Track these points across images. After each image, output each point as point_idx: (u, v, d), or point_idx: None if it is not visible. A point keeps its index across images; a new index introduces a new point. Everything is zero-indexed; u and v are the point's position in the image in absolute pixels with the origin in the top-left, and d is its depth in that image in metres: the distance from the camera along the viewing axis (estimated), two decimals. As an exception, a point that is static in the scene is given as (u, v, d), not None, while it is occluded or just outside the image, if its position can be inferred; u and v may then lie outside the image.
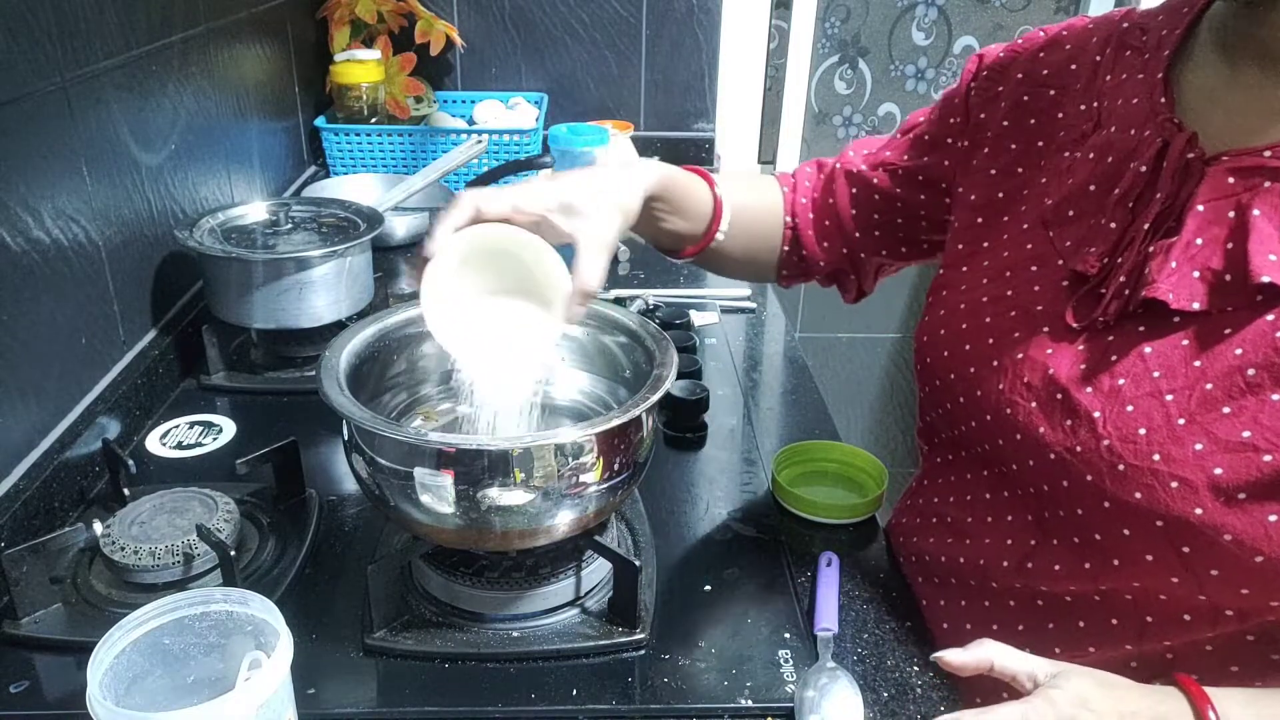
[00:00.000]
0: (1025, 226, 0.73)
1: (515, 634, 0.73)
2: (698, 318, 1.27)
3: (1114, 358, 0.64)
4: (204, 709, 0.52)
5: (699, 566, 0.81)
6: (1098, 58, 0.73)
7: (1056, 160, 0.73)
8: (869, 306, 2.16)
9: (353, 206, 1.22)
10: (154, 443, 0.99)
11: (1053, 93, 0.75)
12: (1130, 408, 0.62)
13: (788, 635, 0.74)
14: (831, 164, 0.92)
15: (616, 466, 0.70)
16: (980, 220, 0.78)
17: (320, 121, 1.66)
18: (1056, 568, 0.69)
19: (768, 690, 0.68)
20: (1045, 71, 0.76)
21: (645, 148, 1.90)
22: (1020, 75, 0.77)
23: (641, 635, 0.72)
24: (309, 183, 1.61)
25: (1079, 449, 0.64)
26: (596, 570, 0.77)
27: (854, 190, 0.88)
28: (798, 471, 0.94)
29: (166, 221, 1.12)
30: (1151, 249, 0.63)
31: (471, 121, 1.81)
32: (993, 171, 0.78)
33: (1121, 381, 0.63)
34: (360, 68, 1.66)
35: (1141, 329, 0.63)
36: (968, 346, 0.73)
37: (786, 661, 0.71)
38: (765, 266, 0.93)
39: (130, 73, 1.03)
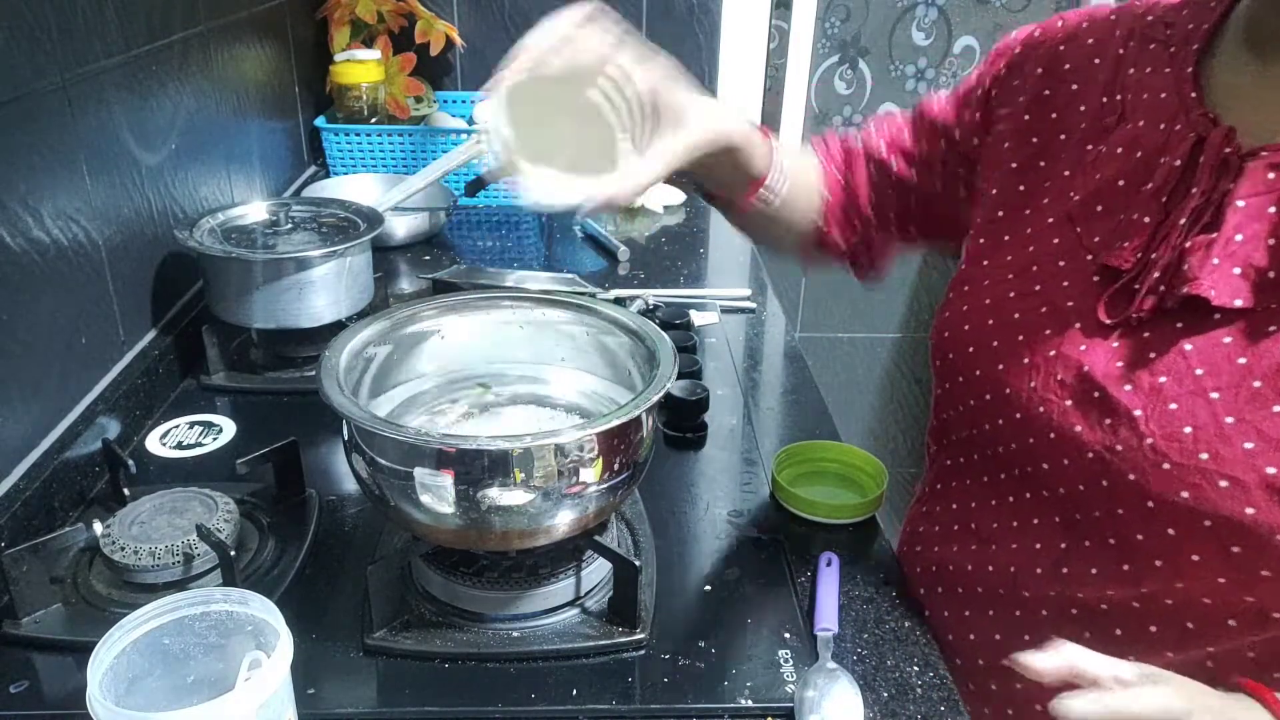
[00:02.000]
0: (1050, 221, 0.72)
1: (515, 634, 0.73)
2: (698, 318, 1.27)
3: (1152, 355, 0.63)
4: (204, 709, 0.52)
5: (699, 566, 0.81)
6: (1120, 51, 0.71)
7: (1079, 153, 0.72)
8: (869, 306, 2.17)
9: (353, 206, 1.22)
10: (154, 443, 0.99)
11: (1075, 86, 0.74)
12: (1174, 405, 0.61)
13: (788, 635, 0.74)
14: (853, 142, 0.91)
15: (616, 466, 0.70)
16: (1001, 214, 0.76)
17: (320, 121, 1.66)
18: (1093, 571, 0.68)
19: (768, 690, 0.68)
20: (1067, 65, 0.74)
21: (645, 148, 1.90)
22: (1040, 70, 0.76)
23: (641, 635, 0.72)
24: (309, 183, 1.61)
25: (1119, 448, 0.63)
26: (596, 570, 0.77)
27: (871, 172, 0.88)
28: (798, 471, 0.94)
29: (166, 221, 1.12)
30: (1189, 244, 0.61)
31: (471, 121, 1.81)
32: (1014, 165, 0.76)
33: (1163, 379, 0.62)
34: (360, 68, 1.66)
35: (1179, 325, 0.62)
36: (995, 343, 0.72)
37: (786, 661, 0.71)
38: (798, 239, 0.90)
39: (130, 72, 1.03)
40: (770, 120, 2.09)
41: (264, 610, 0.59)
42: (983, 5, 2.08)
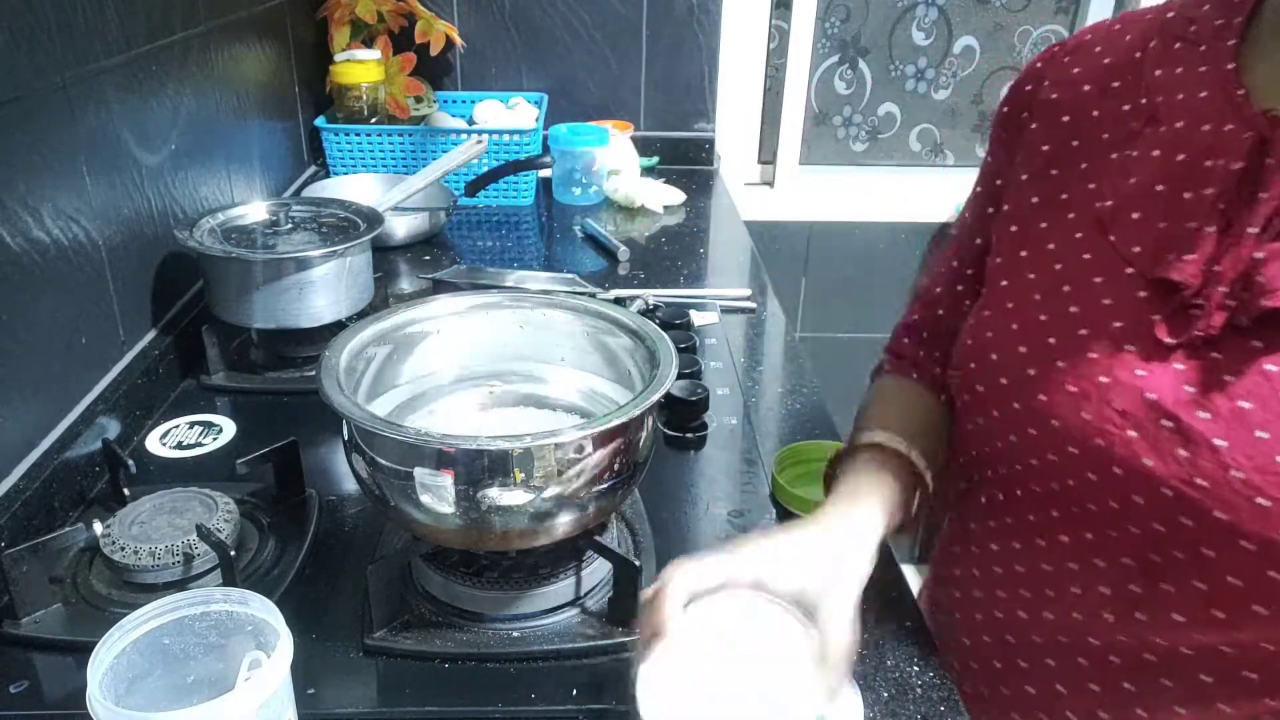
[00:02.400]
0: (1078, 235, 0.66)
1: (515, 634, 0.73)
2: (698, 318, 1.27)
3: (1228, 377, 0.56)
4: (204, 709, 0.52)
5: (699, 566, 0.81)
6: (1138, 54, 0.67)
7: (1102, 161, 0.66)
8: (869, 306, 2.17)
9: (353, 206, 1.22)
10: (154, 443, 0.99)
11: (1087, 88, 0.69)
12: (1263, 434, 0.55)
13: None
14: (918, 323, 0.85)
15: (616, 466, 0.70)
16: (1015, 229, 0.71)
17: (320, 121, 1.66)
18: (1176, 618, 0.61)
19: (768, 690, 0.68)
20: (1076, 70, 0.70)
21: (645, 148, 1.91)
22: (1047, 82, 0.72)
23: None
24: (309, 183, 1.61)
25: (1201, 482, 0.57)
26: (596, 570, 0.77)
27: (943, 312, 0.82)
28: (798, 471, 0.94)
29: (166, 221, 1.12)
30: (1261, 254, 0.56)
31: (471, 121, 1.81)
32: (1024, 177, 0.71)
33: (1245, 404, 0.56)
34: (360, 68, 1.66)
35: (1257, 344, 0.56)
36: (1031, 371, 0.65)
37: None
38: None
39: (130, 72, 1.03)
40: (770, 120, 2.09)
41: (264, 610, 0.59)
42: (983, 5, 2.08)
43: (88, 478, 0.90)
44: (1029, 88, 0.73)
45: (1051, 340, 0.64)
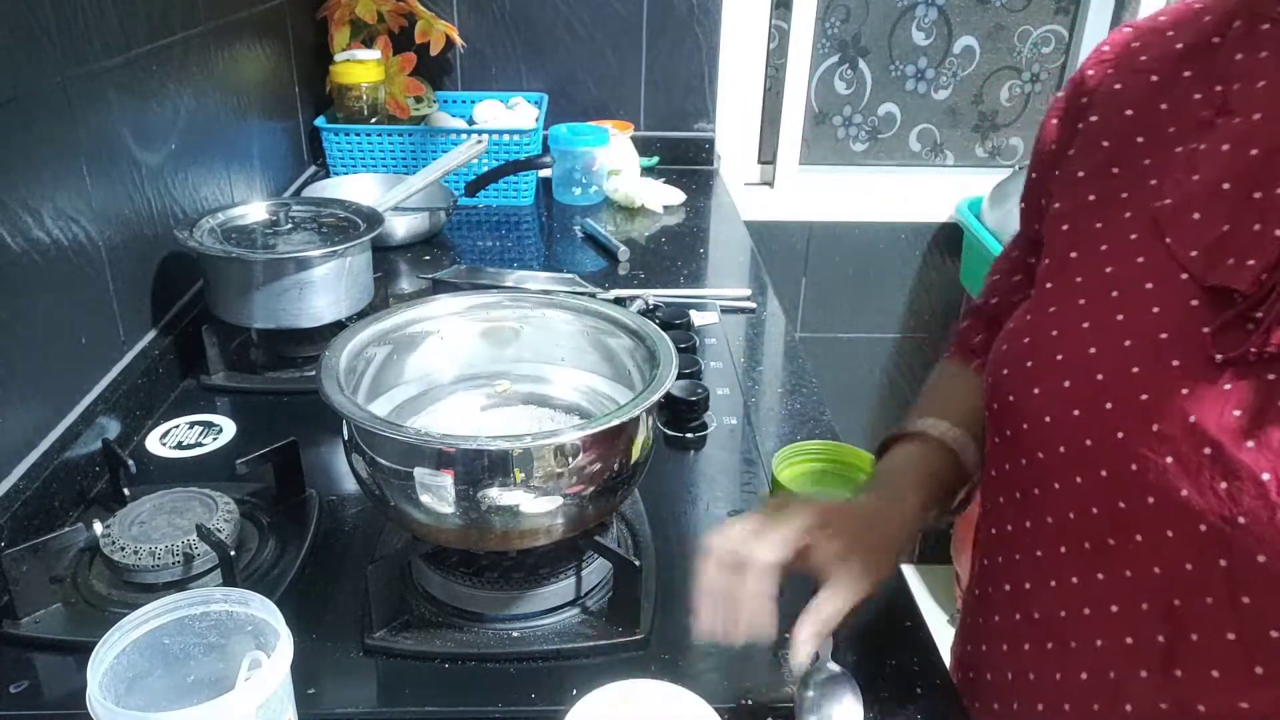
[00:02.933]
0: (1132, 236, 0.59)
1: (515, 634, 0.73)
2: (698, 318, 1.27)
3: None
4: (204, 709, 0.52)
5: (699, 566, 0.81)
6: (1215, 39, 0.60)
7: (1165, 155, 0.60)
8: (869, 306, 2.17)
9: (353, 206, 1.22)
10: (154, 443, 0.99)
11: (1154, 78, 0.62)
12: None
13: (787, 635, 0.73)
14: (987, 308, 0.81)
15: (617, 466, 0.70)
16: (1066, 228, 0.65)
17: (320, 121, 1.66)
18: (1214, 674, 0.54)
19: (768, 690, 0.68)
20: (1143, 57, 0.63)
21: (645, 148, 1.91)
22: (1111, 70, 0.65)
23: (641, 635, 0.72)
24: (309, 183, 1.61)
25: (1242, 520, 0.50)
26: (596, 570, 0.77)
27: (997, 300, 0.80)
28: (798, 471, 0.93)
29: (166, 221, 1.12)
30: None
31: (471, 121, 1.81)
32: (1080, 174, 0.65)
33: None
34: (360, 68, 1.66)
35: None
36: (1066, 383, 0.59)
37: (787, 661, 0.71)
38: None
39: (130, 72, 1.03)
40: (770, 120, 2.09)
41: (264, 610, 0.59)
42: (983, 5, 2.08)
43: (88, 478, 0.90)
44: (1091, 73, 0.67)
45: (1092, 350, 0.58)
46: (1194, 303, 0.55)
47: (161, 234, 1.10)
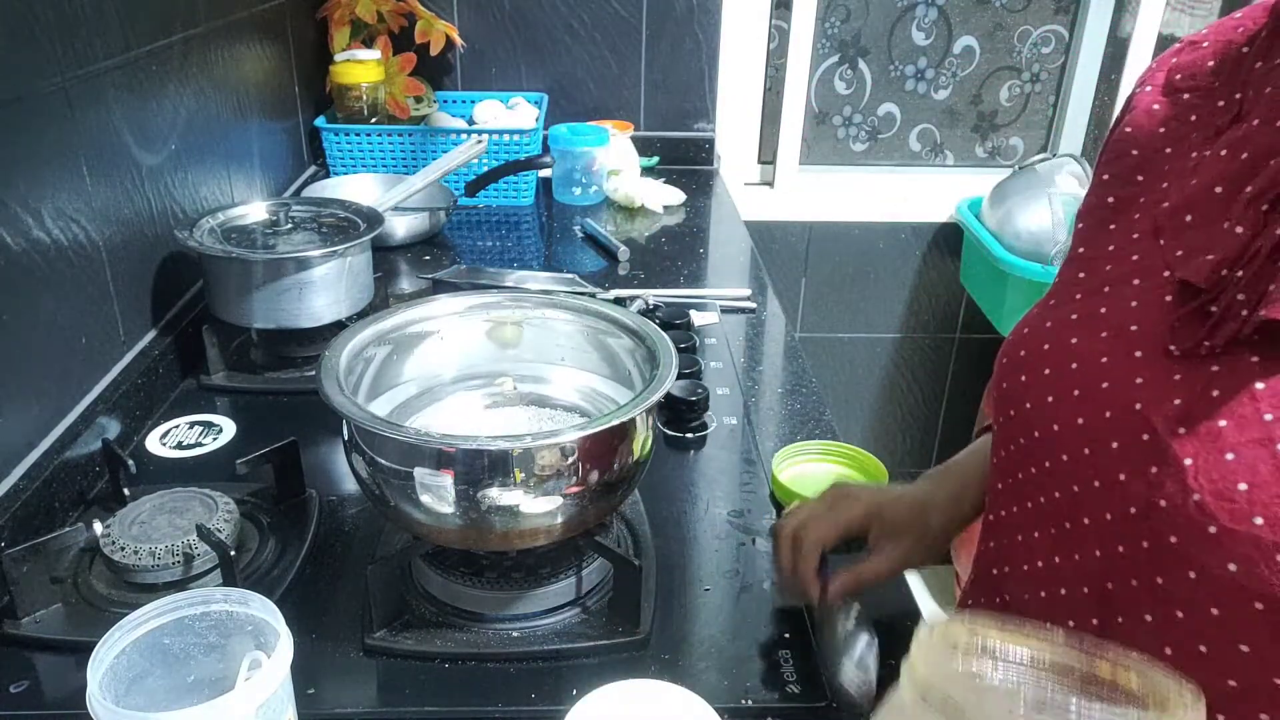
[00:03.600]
0: (1135, 236, 0.61)
1: (515, 634, 0.73)
2: (698, 318, 1.27)
3: (1216, 393, 0.52)
4: (204, 709, 0.52)
5: (699, 566, 0.81)
6: (1245, 49, 0.60)
7: (1183, 162, 0.61)
8: (869, 306, 2.17)
9: (353, 206, 1.22)
10: (154, 443, 0.99)
11: (1186, 96, 0.64)
12: (1230, 456, 0.50)
13: (787, 635, 0.74)
14: None
15: (617, 466, 0.70)
16: (1081, 225, 0.67)
17: (320, 121, 1.66)
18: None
19: (768, 690, 0.68)
20: (1179, 76, 0.65)
21: (645, 148, 1.91)
22: (1150, 87, 0.66)
23: (641, 635, 0.72)
24: (309, 183, 1.61)
25: (1162, 503, 0.52)
26: (596, 570, 0.77)
27: None
28: (798, 471, 0.94)
29: (166, 221, 1.12)
30: None
31: (471, 121, 1.81)
32: (1105, 177, 0.67)
33: (1222, 423, 0.51)
34: (360, 68, 1.66)
35: (1254, 359, 0.51)
36: (1046, 370, 0.61)
37: (787, 661, 0.71)
38: None
39: (130, 73, 1.03)
40: (770, 120, 2.09)
41: (264, 610, 0.59)
42: (983, 5, 2.08)
43: (88, 478, 0.90)
44: (1135, 93, 0.69)
45: (1073, 340, 0.61)
46: (1168, 298, 0.57)
47: (161, 234, 1.10)
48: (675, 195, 1.75)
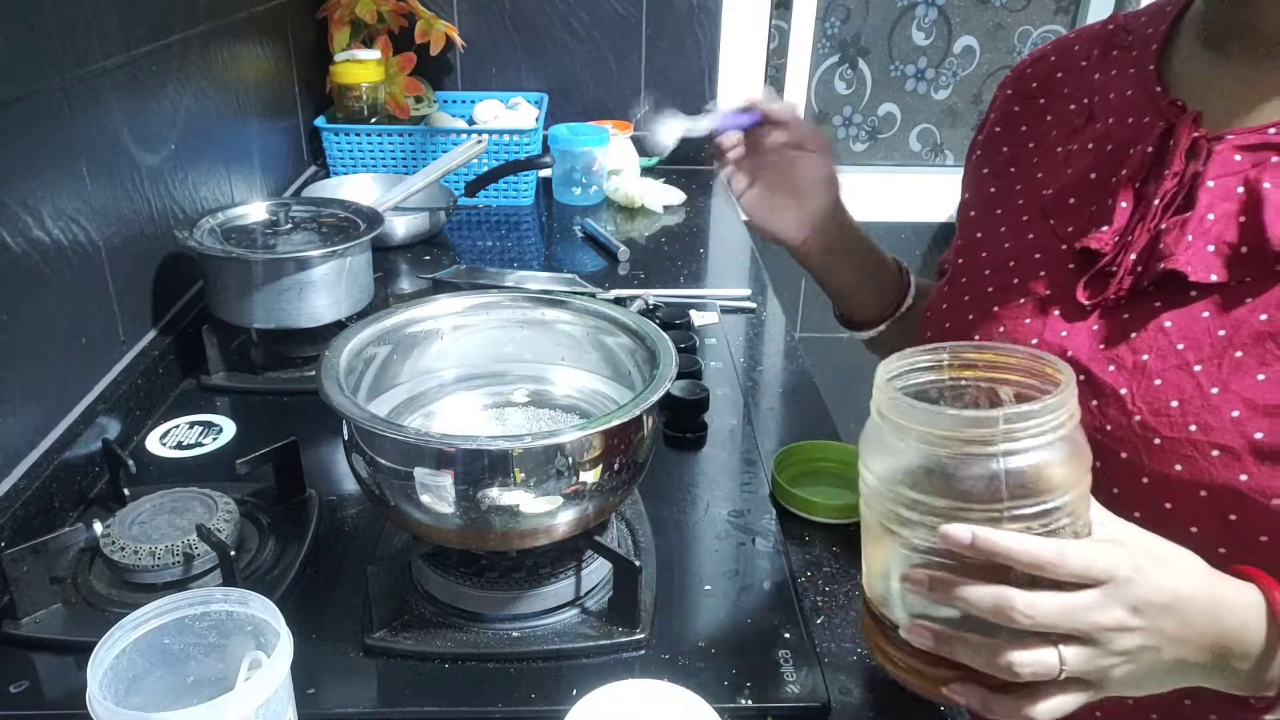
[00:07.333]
0: (1025, 218, 0.76)
1: (515, 634, 0.73)
2: (698, 318, 1.27)
3: (1133, 334, 0.65)
4: (204, 709, 0.52)
5: (699, 566, 0.81)
6: (1083, 63, 0.77)
7: (1049, 156, 0.76)
8: (869, 306, 2.17)
9: (353, 206, 1.22)
10: (154, 443, 0.99)
11: (1042, 101, 0.80)
12: (1158, 381, 0.63)
13: (788, 635, 0.74)
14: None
15: (616, 466, 0.70)
16: (974, 214, 0.81)
17: (320, 121, 1.66)
18: None
19: (768, 690, 0.68)
20: (1034, 84, 0.81)
21: (645, 147, 1.90)
22: (1010, 92, 0.83)
23: (641, 635, 0.72)
24: (309, 183, 1.61)
25: (1109, 428, 0.64)
26: (596, 570, 0.77)
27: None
28: (798, 471, 0.94)
29: (166, 221, 1.12)
30: (1164, 225, 0.64)
31: (471, 121, 1.81)
32: (985, 171, 0.82)
33: (1145, 356, 0.64)
34: (360, 68, 1.66)
35: (1158, 304, 0.64)
36: (976, 335, 0.74)
37: (786, 661, 0.71)
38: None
39: (130, 73, 1.03)
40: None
41: (264, 610, 0.59)
42: (983, 5, 2.08)
43: (88, 478, 0.90)
44: (999, 97, 0.86)
45: (995, 308, 0.73)
46: (1071, 266, 0.70)
47: (161, 234, 1.10)
48: (675, 195, 1.75)
